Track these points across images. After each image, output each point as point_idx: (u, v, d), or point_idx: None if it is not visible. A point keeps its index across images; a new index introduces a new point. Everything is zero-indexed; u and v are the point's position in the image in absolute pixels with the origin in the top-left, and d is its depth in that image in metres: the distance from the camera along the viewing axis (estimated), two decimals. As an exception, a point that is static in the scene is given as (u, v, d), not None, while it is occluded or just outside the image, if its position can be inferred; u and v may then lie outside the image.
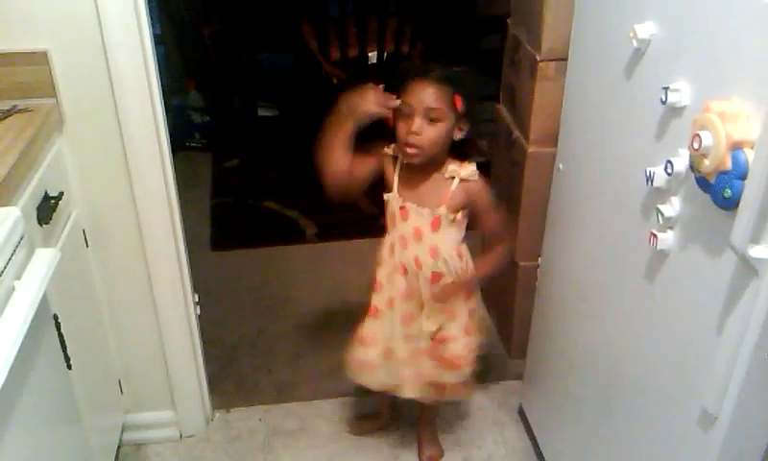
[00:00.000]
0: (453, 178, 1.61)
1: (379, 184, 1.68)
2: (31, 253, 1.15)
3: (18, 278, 1.07)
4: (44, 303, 1.16)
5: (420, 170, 1.61)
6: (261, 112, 3.57)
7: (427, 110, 1.51)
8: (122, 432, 1.89)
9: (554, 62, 1.85)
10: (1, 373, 0.92)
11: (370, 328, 1.76)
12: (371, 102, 1.52)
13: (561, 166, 1.67)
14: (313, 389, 2.13)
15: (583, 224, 1.57)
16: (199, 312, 1.96)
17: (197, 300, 1.95)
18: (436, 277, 1.66)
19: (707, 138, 0.98)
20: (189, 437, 1.97)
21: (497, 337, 2.35)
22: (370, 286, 1.76)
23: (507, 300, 2.23)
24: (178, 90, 3.99)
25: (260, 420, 2.03)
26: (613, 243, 1.40)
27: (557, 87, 1.76)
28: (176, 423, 1.95)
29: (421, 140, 1.53)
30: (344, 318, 2.41)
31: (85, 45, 1.50)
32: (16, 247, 1.09)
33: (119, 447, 1.88)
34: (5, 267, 1.04)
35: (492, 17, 2.21)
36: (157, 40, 4.83)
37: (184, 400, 1.93)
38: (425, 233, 1.62)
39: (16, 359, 0.99)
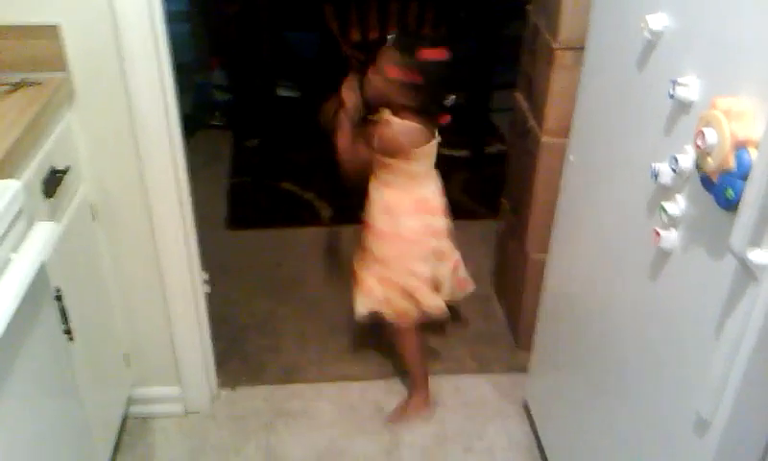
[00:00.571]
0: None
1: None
2: (30, 225, 1.16)
3: (15, 250, 1.08)
4: (42, 275, 1.17)
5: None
6: (283, 93, 3.57)
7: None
8: (128, 405, 1.91)
9: (571, 51, 1.81)
10: (-8, 342, 0.93)
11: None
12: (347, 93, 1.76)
13: (571, 157, 1.64)
14: (318, 372, 2.14)
15: (591, 217, 1.54)
16: (208, 290, 1.98)
17: (206, 277, 1.96)
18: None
19: (711, 136, 0.95)
20: (194, 413, 1.99)
21: (507, 327, 2.34)
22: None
23: (517, 291, 2.21)
24: (202, 68, 4.00)
25: (265, 400, 2.04)
26: (619, 238, 1.37)
27: (573, 77, 1.71)
28: (181, 398, 1.97)
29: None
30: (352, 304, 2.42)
31: (97, 21, 1.50)
32: (14, 219, 1.10)
33: (125, 419, 1.91)
34: (1, 239, 1.05)
35: (517, 3, 2.18)
36: (184, 17, 4.83)
37: (190, 376, 1.95)
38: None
39: (10, 329, 1.00)
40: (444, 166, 3.35)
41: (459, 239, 2.77)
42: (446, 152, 3.38)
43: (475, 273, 2.58)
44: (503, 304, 2.43)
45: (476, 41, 3.30)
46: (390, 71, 1.75)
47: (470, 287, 2.08)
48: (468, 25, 3.32)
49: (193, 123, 3.66)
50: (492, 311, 2.43)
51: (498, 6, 3.11)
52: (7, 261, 1.05)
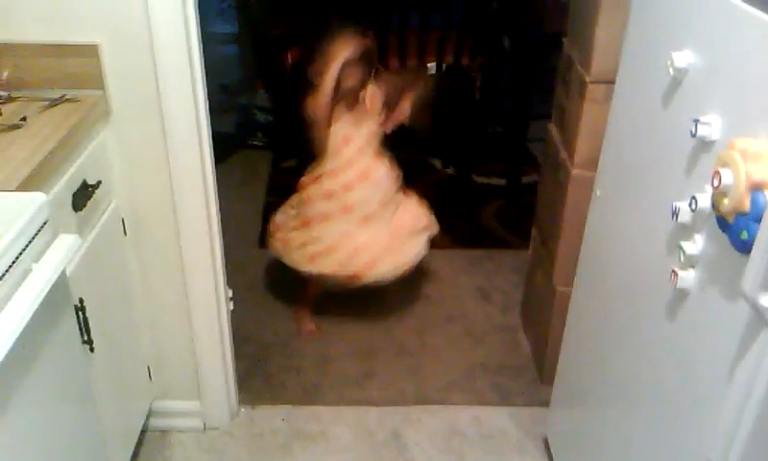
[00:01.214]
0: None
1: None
2: (55, 237, 1.19)
3: (37, 261, 1.11)
4: (62, 285, 1.21)
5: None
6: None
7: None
8: (149, 417, 1.94)
9: (603, 85, 1.79)
10: (5, 346, 0.96)
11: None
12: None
13: (598, 192, 1.62)
14: (338, 395, 2.14)
15: (613, 253, 1.52)
16: (232, 307, 2.00)
17: (230, 295, 1.99)
18: None
19: (726, 176, 0.93)
20: (213, 429, 2.00)
21: (531, 360, 2.31)
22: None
23: (543, 325, 2.18)
24: (246, 89, 4.09)
25: (283, 420, 2.04)
26: (640, 276, 1.35)
27: (604, 111, 1.69)
28: (201, 414, 1.99)
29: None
30: (378, 328, 2.43)
31: (135, 42, 1.55)
32: (38, 231, 1.13)
33: (145, 431, 1.94)
34: (24, 249, 1.09)
35: (557, 34, 2.17)
36: (233, 39, 4.91)
37: (211, 392, 1.97)
38: (366, 149, 2.20)
39: (27, 336, 1.03)
40: (480, 194, 3.37)
41: (489, 267, 2.77)
42: (483, 180, 3.44)
43: (504, 303, 2.58)
44: (529, 337, 2.40)
45: (515, 71, 3.31)
46: None
47: None
48: (508, 55, 3.33)
49: (235, 142, 3.74)
50: (517, 343, 2.40)
51: (538, 36, 3.11)
52: (28, 271, 1.09)
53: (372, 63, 2.08)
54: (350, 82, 2.05)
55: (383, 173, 2.21)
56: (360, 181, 2.16)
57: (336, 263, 2.22)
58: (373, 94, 2.12)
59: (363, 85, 2.11)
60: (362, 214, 2.20)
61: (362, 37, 2.02)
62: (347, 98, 2.10)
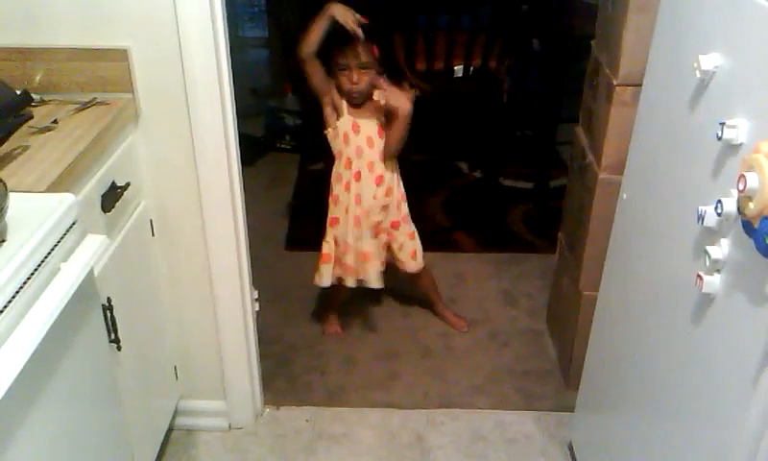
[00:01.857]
0: (379, 100, 2.08)
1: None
2: (83, 237, 1.22)
3: (65, 260, 1.14)
4: (90, 284, 1.23)
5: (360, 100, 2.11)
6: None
7: (359, 64, 2.03)
8: (175, 416, 1.97)
9: (631, 88, 1.78)
10: (32, 343, 0.99)
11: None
12: (340, 9, 1.95)
13: (624, 195, 1.61)
14: (362, 397, 2.15)
15: (639, 257, 1.50)
16: (258, 308, 2.02)
17: (256, 296, 2.01)
18: (380, 178, 2.16)
19: (752, 180, 0.92)
20: (238, 429, 2.02)
21: (557, 365, 2.29)
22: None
23: (569, 329, 2.17)
24: (276, 93, 4.13)
25: (307, 421, 2.06)
26: (665, 281, 1.33)
27: (632, 114, 1.68)
28: (226, 413, 2.01)
29: (360, 87, 2.05)
30: (403, 331, 2.43)
31: (164, 46, 1.58)
32: (67, 231, 1.16)
33: (171, 429, 1.97)
34: (52, 249, 1.11)
35: (587, 38, 2.16)
36: (263, 44, 4.95)
37: (236, 392, 1.99)
38: (375, 140, 2.13)
39: (54, 334, 1.05)
40: (507, 198, 3.34)
41: (516, 271, 2.76)
42: (510, 183, 3.43)
43: (530, 307, 2.57)
44: (555, 341, 2.38)
45: (544, 74, 3.28)
46: (375, 51, 2.06)
47: None
48: (537, 58, 3.31)
49: (264, 145, 3.78)
50: (543, 347, 2.38)
51: (568, 39, 3.08)
52: (56, 270, 1.11)
53: (377, 71, 2.07)
54: (347, 84, 2.05)
55: (377, 177, 2.17)
56: (356, 180, 2.16)
57: (344, 268, 2.23)
58: (378, 106, 2.09)
59: (368, 91, 2.09)
60: (362, 217, 2.20)
61: (366, 45, 2.02)
62: (350, 99, 2.09)
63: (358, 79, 2.03)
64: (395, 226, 2.25)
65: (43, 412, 1.10)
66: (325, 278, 2.25)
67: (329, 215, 2.23)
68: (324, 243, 2.25)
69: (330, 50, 2.03)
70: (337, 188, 2.20)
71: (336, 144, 2.17)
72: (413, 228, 2.31)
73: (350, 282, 2.25)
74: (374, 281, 2.24)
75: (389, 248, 2.29)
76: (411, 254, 2.31)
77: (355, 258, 2.22)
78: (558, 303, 2.38)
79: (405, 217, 2.27)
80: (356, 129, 2.12)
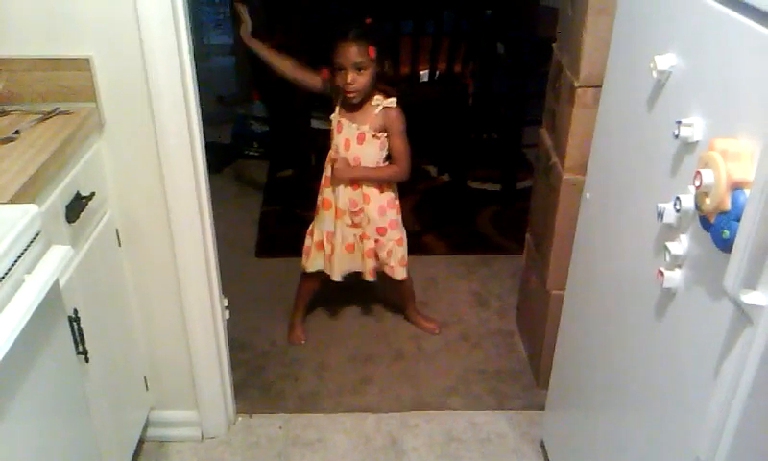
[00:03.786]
0: (378, 105, 2.13)
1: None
2: (47, 248, 1.20)
3: (29, 272, 1.12)
4: (55, 296, 1.22)
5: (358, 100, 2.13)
6: (316, 125, 3.63)
7: (354, 64, 2.04)
8: (147, 428, 1.95)
9: (592, 89, 1.81)
10: (-3, 358, 0.97)
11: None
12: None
13: (588, 195, 1.63)
14: (335, 402, 2.15)
15: (603, 255, 1.53)
16: (228, 316, 2.01)
17: (227, 304, 2.00)
18: (355, 183, 2.19)
19: (707, 176, 0.95)
20: (210, 438, 2.01)
21: (528, 364, 2.32)
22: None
23: (538, 329, 2.19)
24: (243, 100, 4.12)
25: (280, 428, 2.05)
26: (629, 277, 1.36)
27: (594, 115, 1.71)
28: (198, 423, 1.99)
29: (356, 86, 2.07)
30: (375, 335, 2.43)
31: (127, 54, 1.56)
32: (31, 242, 1.14)
33: (143, 441, 1.95)
34: (16, 260, 1.10)
35: (550, 41, 2.19)
36: (229, 51, 4.91)
37: (207, 401, 1.98)
38: (352, 144, 2.16)
39: (20, 347, 1.04)
40: (475, 200, 3.37)
41: (485, 273, 2.78)
42: (478, 186, 3.46)
43: (500, 308, 2.59)
44: (525, 341, 2.41)
45: (509, 77, 3.32)
46: (371, 52, 2.07)
47: None
48: (501, 61, 3.35)
49: (232, 152, 3.76)
50: (514, 347, 2.40)
51: (532, 42, 3.12)
52: (20, 282, 1.10)
53: (375, 73, 2.09)
54: (342, 84, 2.07)
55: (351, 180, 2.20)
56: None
57: (323, 261, 2.29)
58: (375, 113, 2.13)
59: (369, 92, 2.12)
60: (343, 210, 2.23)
61: (362, 46, 2.04)
62: (346, 99, 2.11)
63: (353, 79, 2.05)
64: (380, 231, 2.24)
65: (9, 426, 1.09)
66: (317, 262, 2.30)
67: (320, 197, 2.26)
68: (314, 231, 2.30)
69: (330, 50, 2.07)
70: (325, 172, 2.26)
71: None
72: (402, 234, 2.30)
73: (336, 277, 2.28)
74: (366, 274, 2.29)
75: (376, 256, 2.28)
76: (400, 260, 2.30)
77: (340, 249, 2.25)
78: (527, 303, 2.40)
79: (393, 222, 2.25)
80: (339, 128, 2.17)
